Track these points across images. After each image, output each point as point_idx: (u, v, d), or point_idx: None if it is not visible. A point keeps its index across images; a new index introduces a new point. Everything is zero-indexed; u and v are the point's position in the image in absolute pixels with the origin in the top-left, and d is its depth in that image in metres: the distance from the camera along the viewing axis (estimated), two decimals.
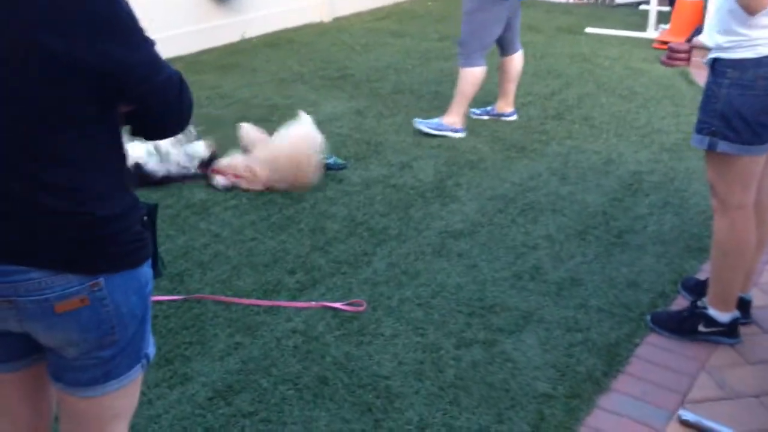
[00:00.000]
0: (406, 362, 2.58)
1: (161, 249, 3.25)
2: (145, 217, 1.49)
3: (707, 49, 2.54)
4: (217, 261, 3.22)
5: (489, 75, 4.66)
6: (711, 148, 2.50)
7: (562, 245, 3.39)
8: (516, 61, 4.80)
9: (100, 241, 1.38)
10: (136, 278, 1.45)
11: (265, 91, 5.46)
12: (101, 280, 1.39)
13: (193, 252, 3.29)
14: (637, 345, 2.70)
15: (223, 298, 2.92)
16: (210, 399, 2.39)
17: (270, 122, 4.70)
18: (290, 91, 5.48)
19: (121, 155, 1.44)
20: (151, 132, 1.48)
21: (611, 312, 2.89)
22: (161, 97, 1.40)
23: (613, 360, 2.61)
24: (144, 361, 1.55)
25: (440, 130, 4.61)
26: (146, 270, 1.48)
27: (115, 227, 1.40)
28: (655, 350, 2.68)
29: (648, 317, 2.83)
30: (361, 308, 2.87)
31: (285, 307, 2.87)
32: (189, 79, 1.48)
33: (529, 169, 4.22)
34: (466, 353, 2.63)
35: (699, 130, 2.53)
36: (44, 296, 1.36)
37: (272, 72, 5.95)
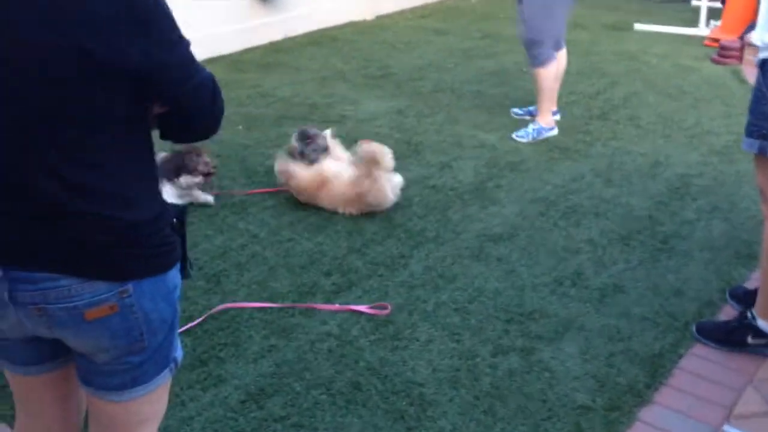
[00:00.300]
0: (441, 369, 2.54)
1: (198, 249, 3.27)
2: (175, 220, 1.47)
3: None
4: (254, 262, 3.22)
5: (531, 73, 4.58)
6: (761, 153, 2.40)
7: (605, 250, 3.30)
8: (560, 59, 4.70)
9: (127, 245, 1.37)
10: (165, 283, 1.44)
11: (307, 90, 5.46)
12: (129, 286, 1.38)
13: (231, 252, 3.29)
14: (681, 356, 2.61)
15: (304, 304, 2.91)
16: (242, 402, 2.39)
17: (310, 121, 4.70)
18: (332, 90, 5.46)
19: (147, 158, 1.42)
20: (179, 134, 1.46)
21: (655, 321, 2.80)
22: (195, 100, 1.38)
23: (656, 371, 2.53)
24: (172, 365, 1.54)
25: (541, 134, 4.55)
26: (174, 274, 1.47)
27: (142, 232, 1.38)
28: (700, 362, 2.59)
29: (693, 327, 2.74)
30: (385, 311, 2.83)
31: (319, 310, 2.86)
32: (231, 77, 1.47)
33: (571, 170, 4.13)
34: (503, 361, 2.58)
35: (749, 134, 2.44)
36: (73, 304, 1.36)
37: (314, 70, 5.94)
